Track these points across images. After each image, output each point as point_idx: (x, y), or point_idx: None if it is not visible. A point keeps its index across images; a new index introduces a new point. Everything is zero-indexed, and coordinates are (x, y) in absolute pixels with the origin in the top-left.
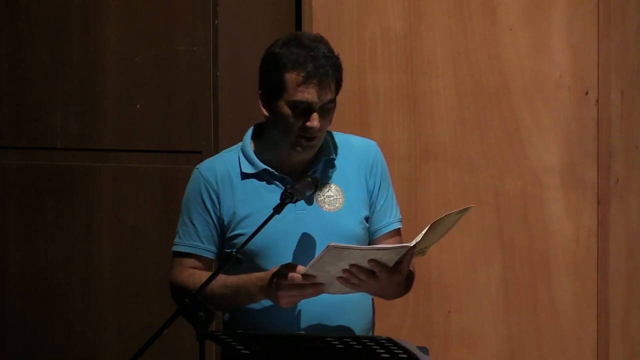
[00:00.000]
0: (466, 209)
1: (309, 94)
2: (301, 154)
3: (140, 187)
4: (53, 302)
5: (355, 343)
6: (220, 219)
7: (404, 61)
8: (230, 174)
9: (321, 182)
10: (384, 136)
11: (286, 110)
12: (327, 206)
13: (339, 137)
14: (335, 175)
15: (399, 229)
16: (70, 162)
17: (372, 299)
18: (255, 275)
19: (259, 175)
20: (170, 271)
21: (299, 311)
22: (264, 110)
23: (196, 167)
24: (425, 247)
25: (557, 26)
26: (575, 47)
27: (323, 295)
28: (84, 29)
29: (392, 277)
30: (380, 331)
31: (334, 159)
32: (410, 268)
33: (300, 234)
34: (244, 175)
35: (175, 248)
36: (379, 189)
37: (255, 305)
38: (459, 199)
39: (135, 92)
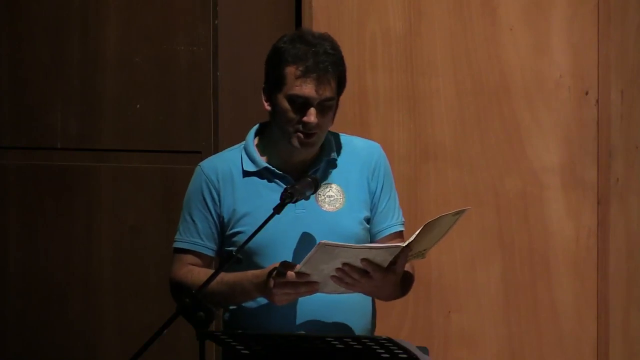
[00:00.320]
0: (462, 211)
1: (307, 89)
2: (301, 152)
3: (140, 187)
4: (53, 302)
5: (355, 343)
6: (220, 216)
7: (404, 61)
8: (232, 171)
9: (322, 182)
10: (384, 136)
11: (285, 104)
12: (327, 206)
13: (343, 138)
14: (337, 175)
15: (401, 231)
16: (70, 162)
17: (373, 301)
18: (251, 272)
19: (260, 174)
20: (170, 267)
21: (297, 310)
22: (265, 104)
23: (199, 164)
24: (425, 250)
25: (557, 26)
26: (575, 47)
27: (321, 294)
28: (84, 29)
29: (387, 277)
30: (380, 331)
31: (336, 159)
32: (410, 270)
33: (300, 233)
34: (246, 173)
35: (175, 244)
36: (381, 191)
37: (253, 304)
38: (458, 199)
39: (135, 92)
